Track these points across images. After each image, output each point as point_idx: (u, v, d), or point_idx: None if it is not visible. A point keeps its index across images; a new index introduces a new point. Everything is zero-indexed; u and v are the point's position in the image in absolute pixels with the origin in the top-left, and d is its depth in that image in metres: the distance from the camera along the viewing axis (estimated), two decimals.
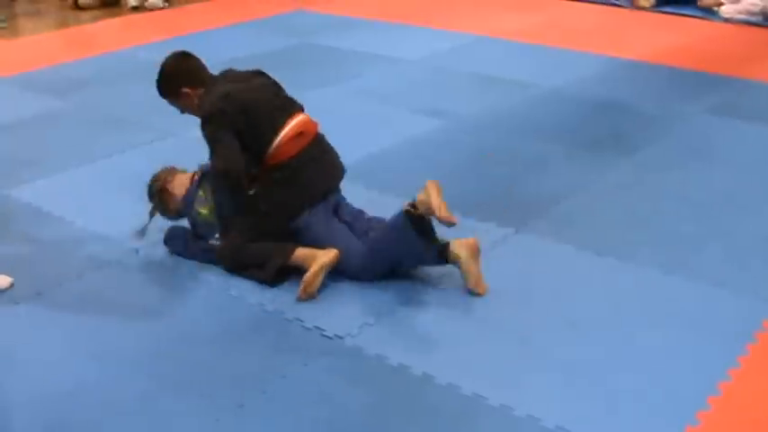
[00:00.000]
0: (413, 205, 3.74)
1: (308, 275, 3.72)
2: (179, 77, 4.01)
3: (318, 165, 3.96)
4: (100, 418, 3.08)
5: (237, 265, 3.90)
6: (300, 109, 4.02)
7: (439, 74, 7.07)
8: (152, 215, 4.23)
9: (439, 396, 3.16)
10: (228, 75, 4.09)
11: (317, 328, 3.55)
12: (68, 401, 3.16)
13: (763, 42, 8.35)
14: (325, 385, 3.21)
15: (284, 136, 3.85)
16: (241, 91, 3.94)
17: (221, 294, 3.82)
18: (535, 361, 3.35)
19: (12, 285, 3.89)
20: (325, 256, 3.76)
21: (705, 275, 3.95)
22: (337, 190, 4.08)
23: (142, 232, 4.22)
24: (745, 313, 3.67)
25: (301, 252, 3.82)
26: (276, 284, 3.86)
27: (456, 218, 3.72)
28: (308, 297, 3.73)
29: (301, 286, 3.73)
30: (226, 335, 3.55)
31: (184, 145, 5.55)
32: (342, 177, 4.08)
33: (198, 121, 3.96)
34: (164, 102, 6.21)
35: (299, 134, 3.89)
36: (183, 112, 4.10)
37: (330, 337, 3.49)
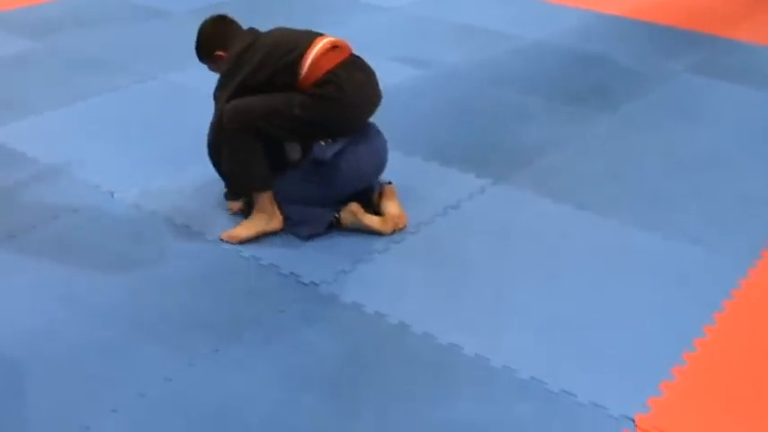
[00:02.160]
0: (337, 220, 3.83)
1: (247, 232, 3.78)
2: (213, 41, 3.95)
3: (361, 78, 3.83)
4: (69, 360, 3.05)
5: (236, 132, 3.73)
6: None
7: (420, 23, 7.01)
8: None
9: (415, 345, 3.15)
10: (255, 30, 4.01)
11: (293, 274, 3.52)
12: (40, 344, 3.13)
13: (746, 2, 8.31)
14: (300, 332, 3.20)
15: (317, 51, 3.71)
16: (261, 36, 3.88)
17: (197, 239, 3.79)
18: (512, 313, 3.35)
19: None
20: (271, 225, 3.80)
21: (684, 233, 3.95)
22: None
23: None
24: (722, 271, 3.67)
25: (267, 200, 3.79)
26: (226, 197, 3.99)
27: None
28: (230, 241, 3.78)
29: (232, 234, 3.79)
30: (200, 280, 3.52)
31: (164, 88, 5.52)
32: (380, 101, 3.93)
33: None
34: (142, 44, 6.17)
35: (333, 47, 3.78)
36: (217, 71, 4.02)
37: (306, 284, 3.47)
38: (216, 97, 3.86)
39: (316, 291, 3.44)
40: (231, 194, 3.96)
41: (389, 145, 4.00)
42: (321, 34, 3.84)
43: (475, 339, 3.17)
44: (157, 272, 3.58)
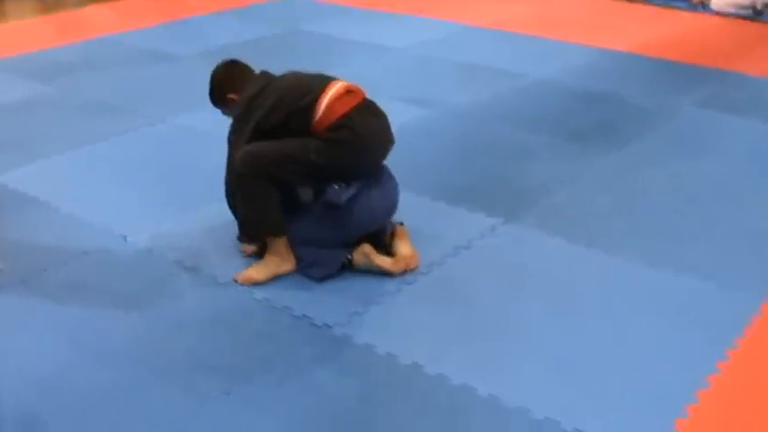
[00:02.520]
0: (350, 261, 3.84)
1: (260, 275, 3.80)
2: (225, 85, 4.00)
3: (375, 122, 3.86)
4: (83, 404, 3.05)
5: (251, 178, 3.74)
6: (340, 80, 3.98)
7: (425, 62, 7.04)
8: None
9: (428, 386, 3.14)
10: (267, 73, 4.04)
11: (306, 316, 3.53)
12: (51, 388, 3.13)
13: (751, 35, 8.35)
14: (313, 374, 3.19)
15: (331, 96, 3.75)
16: (275, 80, 3.92)
17: (209, 282, 3.80)
18: (524, 352, 3.34)
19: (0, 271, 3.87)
20: (284, 267, 3.83)
21: (694, 268, 3.95)
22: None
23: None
24: (733, 306, 3.66)
25: (281, 243, 3.81)
26: (240, 240, 4.00)
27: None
28: (244, 283, 3.79)
29: (246, 275, 3.80)
30: (213, 323, 3.52)
31: (173, 131, 5.55)
32: (392, 147, 3.96)
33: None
34: (151, 88, 6.22)
35: (346, 92, 3.81)
36: (230, 115, 4.05)
37: (319, 326, 3.47)
38: (230, 141, 3.88)
39: (328, 332, 3.43)
40: (245, 237, 3.97)
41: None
42: (335, 78, 3.87)
43: (488, 380, 3.16)
44: (169, 314, 3.58)
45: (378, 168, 3.93)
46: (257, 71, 4.01)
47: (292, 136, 3.75)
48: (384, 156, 3.91)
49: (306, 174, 3.75)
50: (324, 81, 3.84)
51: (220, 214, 4.24)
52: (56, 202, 4.53)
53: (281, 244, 3.80)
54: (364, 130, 3.74)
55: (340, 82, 3.84)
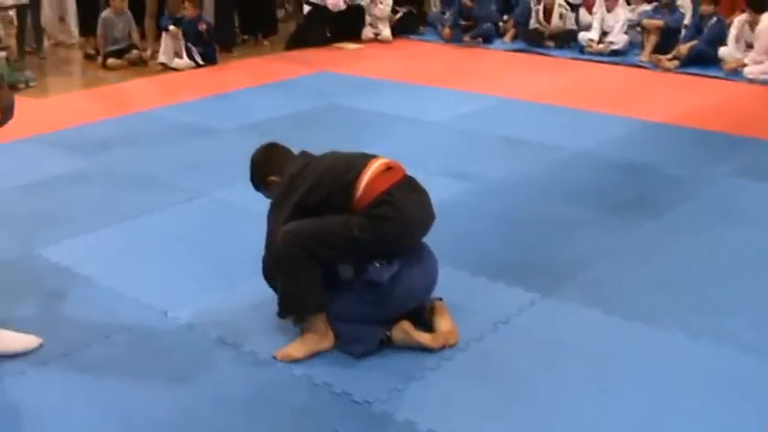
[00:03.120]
0: (388, 338, 3.85)
1: (299, 352, 3.80)
2: (266, 167, 4.07)
3: (415, 198, 3.90)
4: None
5: (292, 257, 3.76)
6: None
7: (464, 136, 7.10)
8: None
9: None
10: (307, 153, 4.10)
11: (346, 393, 3.53)
12: None
13: None
14: None
15: (371, 173, 3.80)
16: (315, 159, 3.98)
17: (249, 359, 3.81)
18: (564, 427, 3.33)
19: (41, 346, 3.90)
20: (323, 344, 3.82)
21: (734, 340, 3.93)
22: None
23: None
24: None
25: (320, 321, 3.82)
26: (279, 315, 3.97)
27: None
28: (283, 360, 3.80)
29: (285, 353, 3.81)
30: (254, 400, 3.53)
31: (212, 206, 5.61)
32: (434, 217, 3.99)
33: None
34: (191, 162, 6.29)
35: (387, 168, 3.86)
36: (271, 197, 4.11)
37: (359, 403, 3.47)
38: (269, 219, 3.93)
39: (369, 409, 3.44)
40: (284, 314, 3.98)
41: (440, 259, 4.04)
42: (374, 156, 3.92)
43: None
44: (211, 391, 3.60)
45: (419, 244, 3.95)
46: (296, 151, 4.06)
47: (333, 214, 3.78)
48: (425, 231, 3.94)
49: (348, 250, 3.78)
50: (364, 159, 3.88)
51: (261, 290, 4.26)
52: (97, 276, 4.58)
53: (320, 321, 3.82)
54: (406, 206, 3.77)
55: (380, 159, 3.88)
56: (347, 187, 3.77)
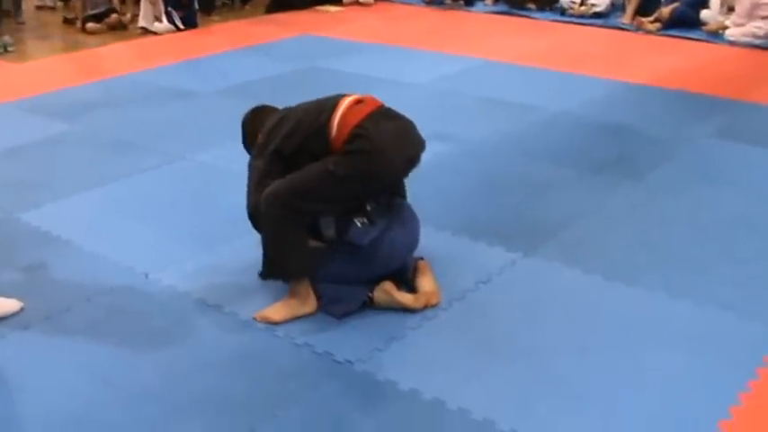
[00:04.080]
0: (371, 299, 3.83)
1: (278, 316, 3.78)
2: (254, 128, 4.05)
3: (391, 126, 3.78)
4: None
5: (276, 220, 3.71)
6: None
7: (445, 98, 7.09)
8: None
9: (450, 421, 3.15)
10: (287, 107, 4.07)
11: (327, 352, 3.54)
12: (78, 427, 3.16)
13: (767, 65, 8.39)
14: (336, 410, 3.21)
15: (342, 110, 3.74)
16: (291, 109, 3.96)
17: (230, 320, 3.82)
18: (546, 385, 3.35)
19: (22, 309, 3.89)
20: (305, 308, 3.79)
21: (713, 299, 3.95)
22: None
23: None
24: (754, 337, 3.66)
25: (303, 285, 3.80)
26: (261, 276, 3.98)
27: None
28: (263, 322, 3.78)
29: (264, 315, 3.80)
30: (235, 360, 3.54)
31: (193, 169, 5.59)
32: (423, 148, 3.89)
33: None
34: (171, 125, 6.26)
35: (357, 101, 3.81)
36: None
37: (340, 362, 3.48)
38: (250, 165, 3.91)
39: (350, 369, 3.45)
40: (267, 275, 3.96)
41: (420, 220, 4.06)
42: (345, 94, 3.87)
43: (509, 414, 3.17)
44: (192, 352, 3.60)
45: (404, 175, 3.91)
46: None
47: (314, 158, 3.74)
48: (411, 161, 3.85)
49: (331, 196, 3.71)
50: (335, 99, 3.84)
51: (242, 252, 4.29)
52: (78, 239, 4.58)
53: (302, 286, 3.80)
54: (379, 136, 3.68)
55: (351, 96, 3.84)
56: (322, 129, 3.73)
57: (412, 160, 3.85)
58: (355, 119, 3.71)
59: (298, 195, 3.68)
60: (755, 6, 9.16)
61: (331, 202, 3.76)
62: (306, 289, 3.80)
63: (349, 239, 3.79)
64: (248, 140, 4.10)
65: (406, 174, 3.92)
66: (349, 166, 3.65)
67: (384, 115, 3.82)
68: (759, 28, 9.09)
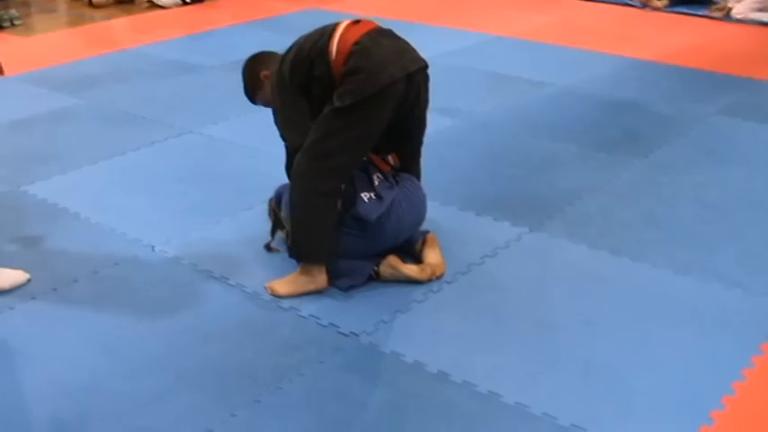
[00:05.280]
0: (376, 273, 3.83)
1: (285, 290, 3.77)
2: (256, 67, 4.04)
3: (388, 43, 3.76)
4: (115, 412, 3.09)
5: (304, 195, 3.73)
6: None
7: (451, 72, 7.05)
8: (273, 232, 4.19)
9: (454, 394, 3.16)
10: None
11: (333, 325, 3.55)
12: (84, 396, 3.17)
13: None
14: (340, 382, 3.22)
15: (341, 31, 3.73)
16: (294, 46, 3.90)
17: (236, 292, 3.83)
18: (550, 359, 3.36)
19: (29, 281, 3.91)
20: (314, 285, 3.76)
21: (719, 276, 3.95)
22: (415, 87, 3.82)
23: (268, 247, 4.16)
24: (759, 314, 3.67)
25: (317, 267, 3.77)
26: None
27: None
28: (270, 293, 3.79)
29: (271, 287, 3.80)
30: (241, 331, 3.55)
31: (200, 142, 5.60)
32: (421, 64, 3.83)
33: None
34: (178, 99, 6.24)
35: (354, 22, 3.79)
36: (269, 101, 4.02)
37: (346, 335, 3.49)
38: (278, 123, 3.88)
39: (355, 341, 3.46)
40: (291, 254, 3.92)
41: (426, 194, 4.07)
42: (344, 20, 3.86)
43: (514, 387, 3.18)
44: (198, 323, 3.62)
45: (407, 97, 3.77)
46: None
47: (322, 89, 3.71)
48: (410, 77, 3.74)
49: (348, 140, 3.66)
50: (333, 24, 3.82)
51: (248, 224, 4.30)
52: (85, 212, 4.59)
53: (316, 266, 3.77)
54: (376, 51, 3.66)
55: (348, 20, 3.83)
56: (323, 52, 3.71)
57: (412, 77, 3.77)
58: (353, 37, 3.70)
59: (317, 157, 3.66)
60: None
61: (351, 148, 3.71)
62: (318, 269, 3.77)
63: (356, 214, 3.79)
64: (249, 83, 4.07)
65: (411, 95, 3.80)
66: (351, 91, 3.61)
67: (381, 33, 3.81)
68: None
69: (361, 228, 3.82)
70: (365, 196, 3.81)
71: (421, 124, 4.03)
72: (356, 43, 3.68)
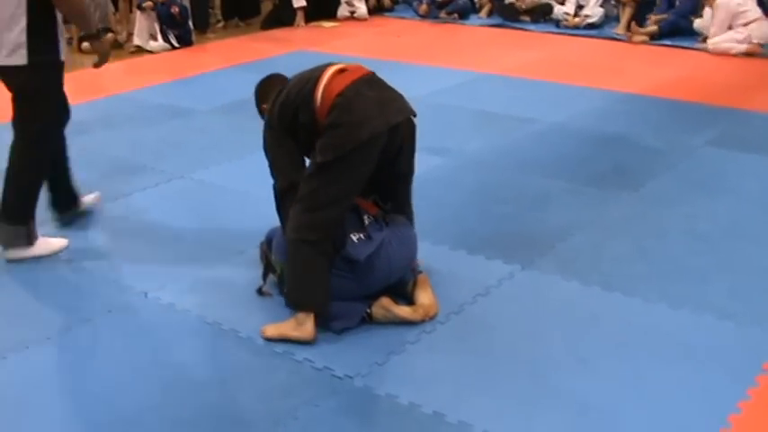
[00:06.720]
0: (369, 315, 3.83)
1: (270, 331, 3.77)
2: (260, 97, 4.15)
3: (373, 95, 3.74)
4: None
5: (297, 246, 3.73)
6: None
7: (440, 111, 7.09)
8: (265, 276, 4.19)
9: None
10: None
11: (327, 368, 3.55)
12: None
13: (756, 73, 8.43)
14: (336, 426, 3.22)
15: (326, 79, 3.73)
16: (284, 89, 3.93)
17: (230, 337, 3.82)
18: (545, 398, 3.36)
19: (67, 246, 4.54)
20: (298, 333, 3.71)
21: (712, 309, 3.96)
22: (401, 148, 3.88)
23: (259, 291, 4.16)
24: (753, 346, 3.68)
25: (306, 316, 3.73)
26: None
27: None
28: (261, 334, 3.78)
29: (264, 327, 3.79)
30: (236, 377, 3.55)
31: (190, 187, 5.60)
32: (406, 114, 3.83)
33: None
34: (168, 144, 6.23)
35: (340, 70, 3.78)
36: None
37: (340, 378, 3.49)
38: (266, 150, 3.94)
39: (350, 384, 3.45)
40: (286, 300, 3.93)
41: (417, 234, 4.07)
42: (331, 63, 3.87)
43: (510, 427, 3.18)
44: (192, 370, 3.61)
45: (392, 147, 3.80)
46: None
47: (307, 134, 3.75)
48: (394, 129, 3.75)
49: (337, 192, 3.69)
50: (321, 68, 3.83)
51: (240, 268, 4.31)
52: (77, 258, 4.58)
53: (308, 315, 3.73)
54: (359, 105, 3.66)
55: (336, 65, 3.82)
56: (307, 99, 3.73)
57: (397, 127, 3.78)
58: (338, 87, 3.70)
59: (308, 210, 3.69)
60: (734, 16, 9.21)
61: (338, 201, 3.72)
62: (306, 316, 3.73)
63: (345, 254, 3.79)
64: (259, 106, 4.15)
65: (395, 146, 3.82)
66: (332, 146, 3.62)
67: (368, 83, 3.80)
68: (739, 33, 9.14)
69: (352, 269, 3.82)
70: (354, 237, 3.82)
71: (408, 170, 4.05)
72: (340, 94, 3.68)
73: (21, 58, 4.32)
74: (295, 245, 3.74)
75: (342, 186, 3.71)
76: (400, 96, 3.88)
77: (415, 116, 3.90)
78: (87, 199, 5.11)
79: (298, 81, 3.87)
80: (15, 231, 4.52)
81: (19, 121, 4.51)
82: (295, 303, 3.80)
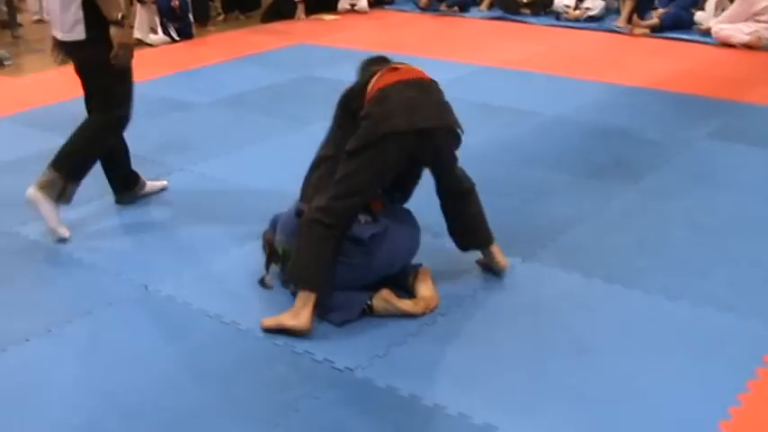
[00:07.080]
0: (369, 307, 3.83)
1: (266, 321, 3.77)
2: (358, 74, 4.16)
3: (412, 95, 3.79)
4: None
5: (311, 227, 3.76)
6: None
7: None
8: (268, 265, 4.19)
9: (451, 426, 3.16)
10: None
11: (328, 360, 3.55)
12: None
13: (759, 65, 8.42)
14: (337, 418, 3.22)
15: (378, 75, 3.83)
16: (362, 73, 4.06)
17: (231, 329, 3.83)
18: (545, 389, 3.36)
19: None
20: (290, 323, 3.70)
21: (712, 301, 3.97)
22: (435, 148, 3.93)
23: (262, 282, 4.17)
24: (752, 338, 3.68)
25: (302, 301, 3.73)
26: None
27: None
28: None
29: (265, 322, 3.78)
30: (236, 370, 3.55)
31: (191, 179, 5.59)
32: (435, 123, 3.82)
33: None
34: (169, 136, 6.23)
35: (394, 68, 3.86)
36: None
37: (340, 370, 3.49)
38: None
39: (351, 376, 3.46)
40: (288, 281, 3.96)
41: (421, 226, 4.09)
42: (391, 61, 4.02)
43: (510, 418, 3.18)
44: (193, 363, 3.61)
45: (416, 150, 3.83)
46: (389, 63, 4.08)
47: (355, 122, 3.80)
48: (419, 133, 3.76)
49: (362, 183, 3.75)
50: (386, 61, 3.98)
51: (241, 260, 4.31)
52: (78, 252, 4.59)
53: (301, 300, 3.73)
54: (392, 100, 3.73)
55: (393, 63, 3.94)
56: (363, 87, 3.86)
57: (428, 135, 3.80)
58: (383, 83, 3.79)
59: (336, 197, 3.74)
60: (755, 11, 9.17)
61: (361, 191, 3.77)
62: (304, 305, 3.72)
63: (351, 234, 3.79)
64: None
65: (418, 149, 3.83)
66: (357, 136, 3.71)
67: (412, 85, 3.85)
68: (749, 26, 9.12)
69: (356, 254, 3.82)
70: (362, 218, 3.83)
71: (446, 181, 4.13)
72: (381, 89, 3.76)
73: (79, 34, 4.62)
74: (309, 224, 3.76)
75: (363, 179, 3.75)
76: (445, 106, 3.93)
77: (455, 129, 3.94)
78: (153, 184, 5.35)
79: (367, 68, 4.02)
80: (53, 178, 4.72)
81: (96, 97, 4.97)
82: (295, 279, 3.82)
